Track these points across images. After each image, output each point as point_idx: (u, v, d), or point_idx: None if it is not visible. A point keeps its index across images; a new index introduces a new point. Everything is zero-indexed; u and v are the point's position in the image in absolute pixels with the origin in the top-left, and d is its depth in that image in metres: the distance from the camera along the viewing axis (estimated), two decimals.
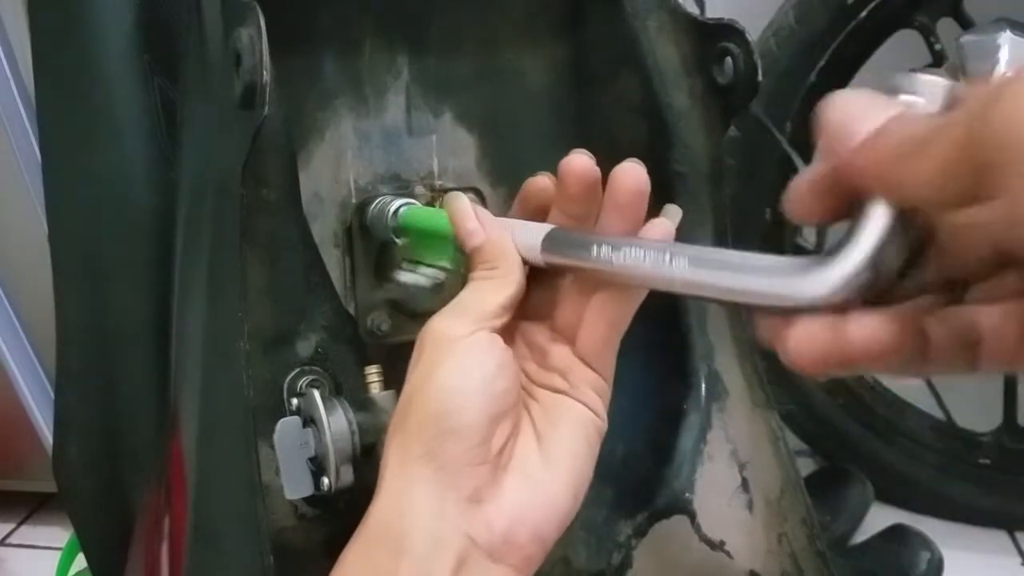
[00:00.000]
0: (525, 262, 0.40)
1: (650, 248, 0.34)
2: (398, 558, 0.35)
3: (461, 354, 0.38)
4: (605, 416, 0.41)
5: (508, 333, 0.40)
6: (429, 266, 0.52)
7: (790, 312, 0.28)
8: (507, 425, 0.38)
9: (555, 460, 0.39)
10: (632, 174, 0.38)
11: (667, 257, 0.33)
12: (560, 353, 0.41)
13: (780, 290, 0.29)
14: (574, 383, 0.40)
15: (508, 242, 0.40)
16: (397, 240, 0.51)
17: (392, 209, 0.50)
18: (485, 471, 0.37)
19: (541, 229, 0.39)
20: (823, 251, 0.28)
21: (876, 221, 0.26)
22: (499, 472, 0.38)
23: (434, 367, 0.38)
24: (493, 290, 0.39)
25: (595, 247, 0.36)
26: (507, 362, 0.38)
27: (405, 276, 0.53)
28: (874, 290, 0.27)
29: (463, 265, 0.43)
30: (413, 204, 0.50)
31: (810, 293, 0.27)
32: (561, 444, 0.39)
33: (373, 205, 0.52)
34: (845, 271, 0.27)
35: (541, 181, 0.41)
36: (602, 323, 0.40)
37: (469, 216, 0.41)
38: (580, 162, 0.38)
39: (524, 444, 0.39)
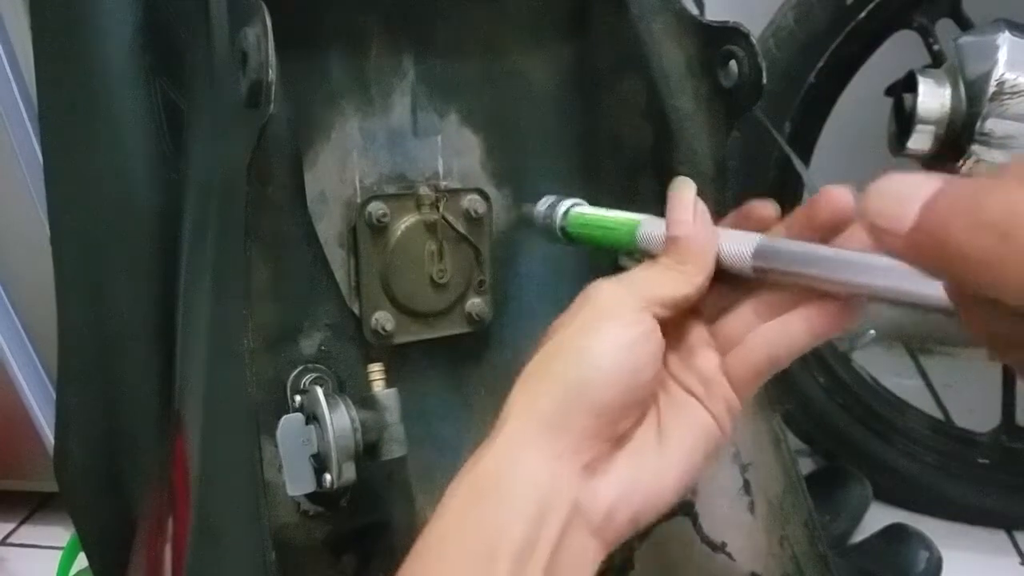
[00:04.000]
0: (728, 268, 0.39)
1: (886, 260, 0.31)
2: (505, 510, 0.34)
3: (620, 328, 0.37)
4: (729, 433, 0.40)
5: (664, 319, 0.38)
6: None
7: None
8: (637, 412, 0.38)
9: (670, 455, 0.38)
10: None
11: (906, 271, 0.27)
12: (707, 360, 0.40)
13: None
14: (710, 394, 0.39)
15: (710, 248, 0.39)
16: (564, 241, 0.50)
17: (561, 210, 0.50)
18: (606, 446, 0.37)
19: (750, 237, 0.38)
20: None
21: None
22: (615, 449, 0.37)
23: (590, 329, 0.37)
24: (672, 281, 0.38)
25: (823, 257, 0.35)
26: (658, 355, 0.38)
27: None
28: None
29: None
30: (581, 204, 0.50)
31: None
32: (680, 442, 0.39)
33: (540, 205, 0.51)
34: None
35: (766, 208, 0.41)
36: (763, 353, 0.38)
37: (687, 208, 0.40)
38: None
39: (645, 430, 0.39)
